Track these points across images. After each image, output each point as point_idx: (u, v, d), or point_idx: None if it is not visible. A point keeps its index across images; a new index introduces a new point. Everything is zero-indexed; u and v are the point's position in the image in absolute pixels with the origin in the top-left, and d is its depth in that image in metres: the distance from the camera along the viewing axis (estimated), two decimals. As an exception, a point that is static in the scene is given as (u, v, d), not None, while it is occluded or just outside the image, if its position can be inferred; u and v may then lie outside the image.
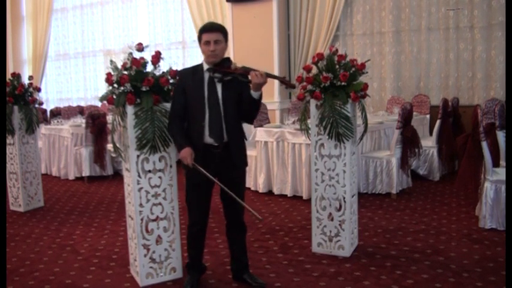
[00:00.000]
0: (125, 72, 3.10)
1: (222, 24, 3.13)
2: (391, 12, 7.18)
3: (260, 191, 5.77)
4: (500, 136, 4.49)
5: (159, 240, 3.33)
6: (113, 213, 5.25)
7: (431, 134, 6.53)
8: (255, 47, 7.61)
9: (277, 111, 7.62)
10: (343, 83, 3.48)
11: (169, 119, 3.10)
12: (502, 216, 4.08)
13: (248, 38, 7.71)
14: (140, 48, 3.17)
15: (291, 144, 5.41)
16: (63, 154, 7.26)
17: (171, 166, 3.30)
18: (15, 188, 5.50)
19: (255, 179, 5.88)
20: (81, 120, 7.44)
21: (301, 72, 3.77)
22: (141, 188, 3.23)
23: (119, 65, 3.15)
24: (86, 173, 6.91)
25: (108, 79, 3.14)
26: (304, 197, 5.35)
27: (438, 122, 6.07)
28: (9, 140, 5.40)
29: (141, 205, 3.24)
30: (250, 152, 5.70)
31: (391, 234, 4.20)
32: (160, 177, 3.27)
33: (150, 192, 3.25)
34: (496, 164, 4.34)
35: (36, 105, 5.46)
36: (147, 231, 3.29)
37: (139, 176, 3.21)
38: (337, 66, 3.52)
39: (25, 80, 5.39)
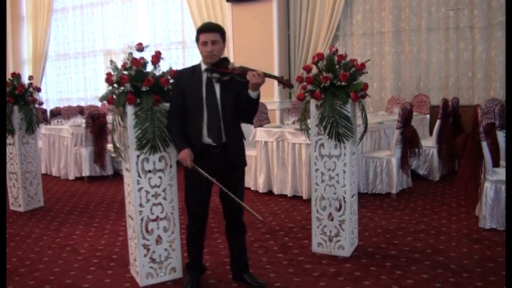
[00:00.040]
0: (125, 72, 3.10)
1: (219, 24, 3.13)
2: (391, 12, 7.17)
3: (260, 191, 5.77)
4: (500, 136, 4.49)
5: (159, 240, 3.33)
6: (113, 213, 5.25)
7: (431, 134, 6.53)
8: (255, 47, 7.61)
9: (277, 111, 7.61)
10: (343, 83, 3.48)
11: (168, 119, 3.10)
12: (502, 216, 4.08)
13: (248, 38, 7.71)
14: (140, 48, 3.17)
15: (291, 144, 5.41)
16: (63, 154, 7.26)
17: (171, 166, 3.30)
18: (15, 188, 5.50)
19: (255, 179, 5.88)
20: (81, 120, 7.44)
21: (301, 72, 3.77)
22: (141, 188, 3.23)
23: (119, 65, 3.15)
24: (86, 173, 6.91)
25: (108, 79, 3.14)
26: (304, 197, 5.35)
27: (438, 122, 6.07)
28: (9, 140, 5.40)
29: (141, 205, 3.24)
30: (250, 152, 5.71)
31: (391, 234, 4.20)
32: (160, 177, 3.27)
33: (150, 192, 3.25)
34: (496, 164, 4.34)
35: (36, 105, 5.46)
36: (147, 231, 3.29)
37: (139, 176, 3.21)
38: (337, 66, 3.52)
39: (25, 80, 5.39)
